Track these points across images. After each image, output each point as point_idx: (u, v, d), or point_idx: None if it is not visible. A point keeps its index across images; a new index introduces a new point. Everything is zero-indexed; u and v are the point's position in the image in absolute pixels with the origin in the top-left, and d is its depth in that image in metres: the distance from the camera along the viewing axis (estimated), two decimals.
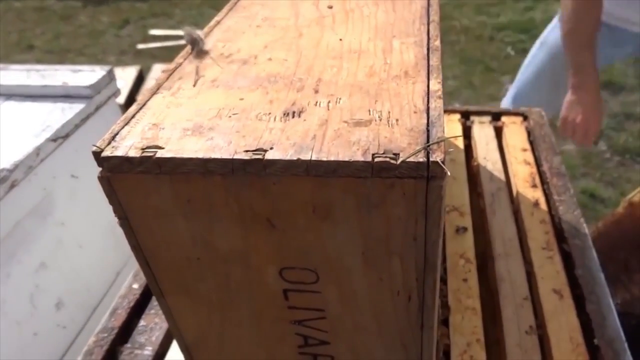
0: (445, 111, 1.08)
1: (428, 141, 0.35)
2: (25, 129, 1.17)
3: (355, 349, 0.47)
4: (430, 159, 0.34)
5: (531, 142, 1.01)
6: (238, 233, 0.40)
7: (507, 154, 0.98)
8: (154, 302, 0.77)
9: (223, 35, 0.56)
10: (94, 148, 0.39)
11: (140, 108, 0.43)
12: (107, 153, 0.38)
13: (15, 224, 1.07)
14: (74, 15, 4.77)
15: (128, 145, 0.38)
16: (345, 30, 0.54)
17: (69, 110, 1.23)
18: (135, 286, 0.80)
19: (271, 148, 0.36)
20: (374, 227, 0.37)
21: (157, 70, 3.11)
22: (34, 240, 1.14)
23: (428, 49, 0.48)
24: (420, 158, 0.34)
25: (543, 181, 0.91)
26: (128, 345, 0.72)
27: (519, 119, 1.08)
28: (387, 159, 0.34)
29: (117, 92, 1.38)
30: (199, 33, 0.55)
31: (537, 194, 0.88)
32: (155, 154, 0.37)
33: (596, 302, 0.70)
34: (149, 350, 0.71)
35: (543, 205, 0.86)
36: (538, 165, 0.95)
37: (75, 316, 1.27)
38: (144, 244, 0.43)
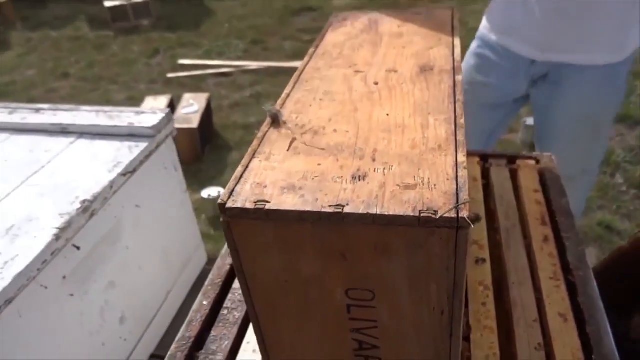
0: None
1: (457, 202, 0.50)
2: (99, 165, 1.35)
3: (399, 352, 0.62)
4: (460, 215, 0.49)
5: (542, 184, 1.15)
6: (318, 263, 0.56)
7: (521, 194, 1.12)
8: (221, 316, 0.93)
9: (294, 108, 0.72)
10: (220, 201, 0.55)
11: (245, 170, 0.60)
12: (229, 205, 0.54)
13: (93, 247, 1.25)
14: (106, 44, 5.02)
15: (244, 199, 0.54)
16: (391, 106, 0.70)
17: (135, 148, 1.41)
18: (205, 303, 0.95)
19: (347, 204, 0.52)
20: (418, 261, 0.53)
21: (187, 100, 3.31)
22: (106, 261, 1.31)
23: (455, 126, 0.63)
24: (452, 214, 0.49)
25: (552, 219, 1.05)
26: (203, 351, 0.87)
27: (532, 162, 1.22)
28: (430, 215, 0.49)
29: (173, 132, 1.56)
30: (278, 108, 0.71)
31: (547, 231, 1.02)
32: (264, 206, 0.53)
33: (595, 324, 0.83)
34: (220, 356, 0.86)
35: (552, 240, 1.00)
36: (548, 205, 1.09)
37: (134, 330, 1.42)
38: (246, 269, 0.58)
